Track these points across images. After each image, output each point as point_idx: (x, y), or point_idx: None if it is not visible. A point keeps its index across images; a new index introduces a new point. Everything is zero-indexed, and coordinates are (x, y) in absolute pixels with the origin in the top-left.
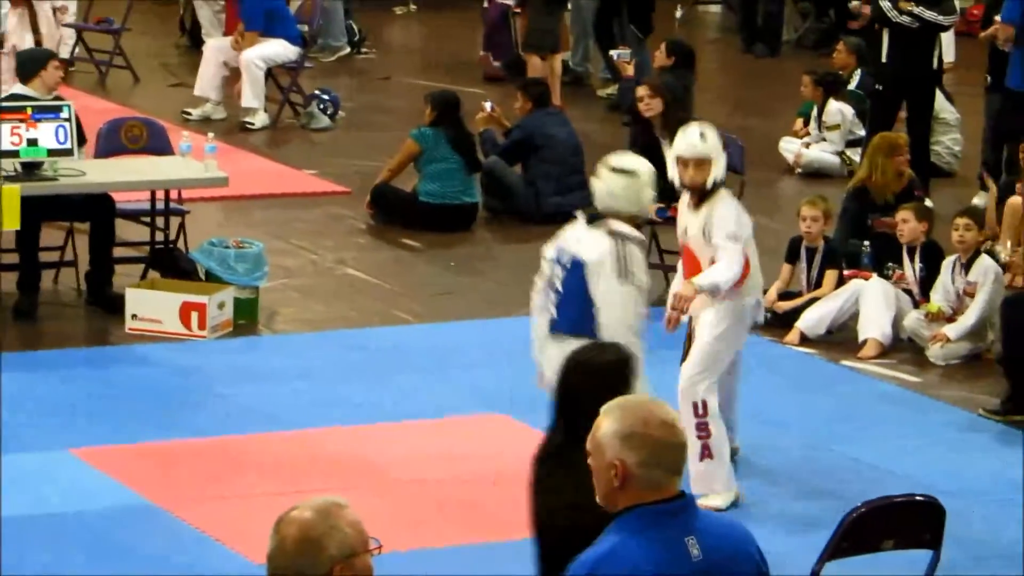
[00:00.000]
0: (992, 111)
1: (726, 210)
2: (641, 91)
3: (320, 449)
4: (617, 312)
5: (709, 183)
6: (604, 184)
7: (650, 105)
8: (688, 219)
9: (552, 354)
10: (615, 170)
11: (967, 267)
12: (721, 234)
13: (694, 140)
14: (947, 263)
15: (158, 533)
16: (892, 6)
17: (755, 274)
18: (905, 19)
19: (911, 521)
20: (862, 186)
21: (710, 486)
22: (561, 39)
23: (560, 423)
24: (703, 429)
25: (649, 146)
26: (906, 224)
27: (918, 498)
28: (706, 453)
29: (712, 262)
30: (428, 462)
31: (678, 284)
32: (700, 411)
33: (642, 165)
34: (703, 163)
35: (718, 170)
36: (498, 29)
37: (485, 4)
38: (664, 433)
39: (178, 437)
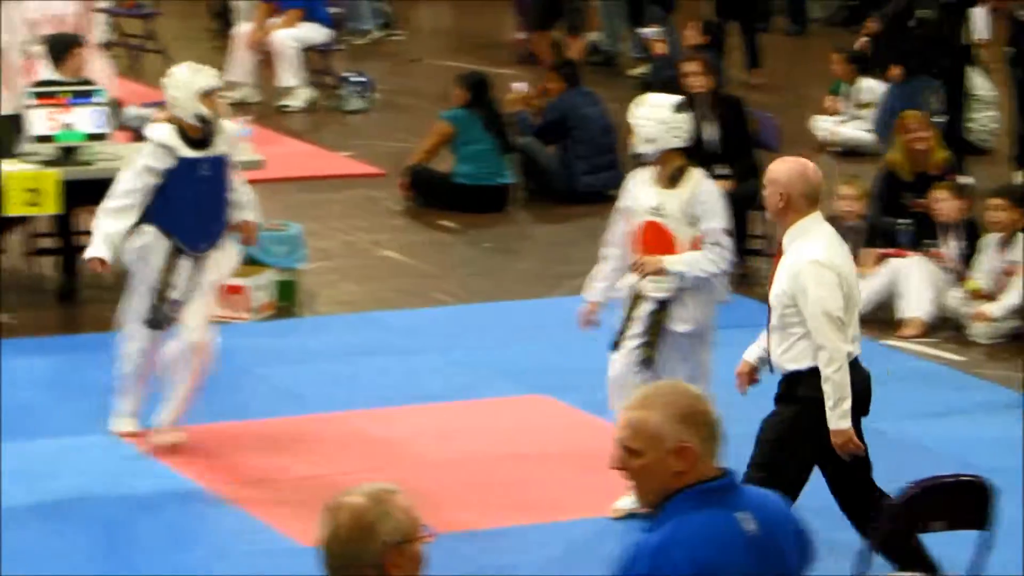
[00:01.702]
0: (1018, 83)
1: (716, 195)
2: (691, 66)
3: (360, 430)
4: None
5: (631, 151)
6: None
7: (699, 81)
8: (662, 196)
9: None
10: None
11: (1007, 246)
12: (716, 223)
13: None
14: (987, 241)
15: (202, 514)
16: None
17: None
18: None
19: (960, 501)
20: (891, 164)
21: None
22: (590, 19)
23: None
24: None
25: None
26: (942, 203)
27: (966, 478)
28: None
29: (694, 245)
30: (466, 443)
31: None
32: None
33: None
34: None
35: (638, 139)
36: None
37: None
38: (708, 408)
39: (220, 419)
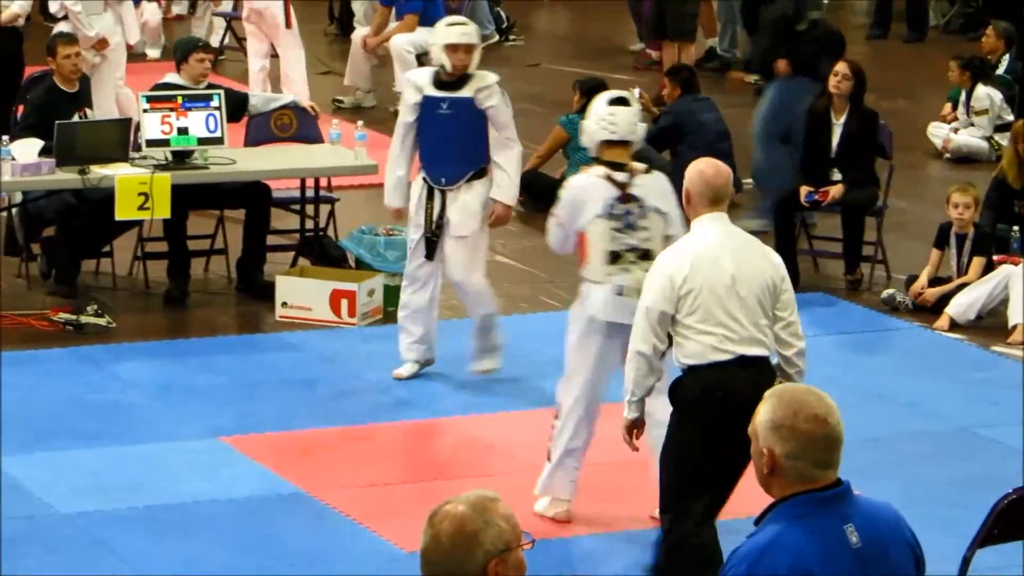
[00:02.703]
0: None
1: (568, 186)
2: (841, 66)
3: (468, 435)
4: None
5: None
6: None
7: (841, 85)
8: None
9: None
10: None
11: None
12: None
13: None
14: None
15: (307, 520)
16: None
17: (595, 262)
18: None
19: None
20: (1001, 173)
21: (547, 489)
22: (708, 25)
23: None
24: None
25: (818, 121)
26: None
27: None
28: (547, 455)
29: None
30: None
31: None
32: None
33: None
34: None
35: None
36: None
37: None
38: (812, 427)
39: (328, 424)
